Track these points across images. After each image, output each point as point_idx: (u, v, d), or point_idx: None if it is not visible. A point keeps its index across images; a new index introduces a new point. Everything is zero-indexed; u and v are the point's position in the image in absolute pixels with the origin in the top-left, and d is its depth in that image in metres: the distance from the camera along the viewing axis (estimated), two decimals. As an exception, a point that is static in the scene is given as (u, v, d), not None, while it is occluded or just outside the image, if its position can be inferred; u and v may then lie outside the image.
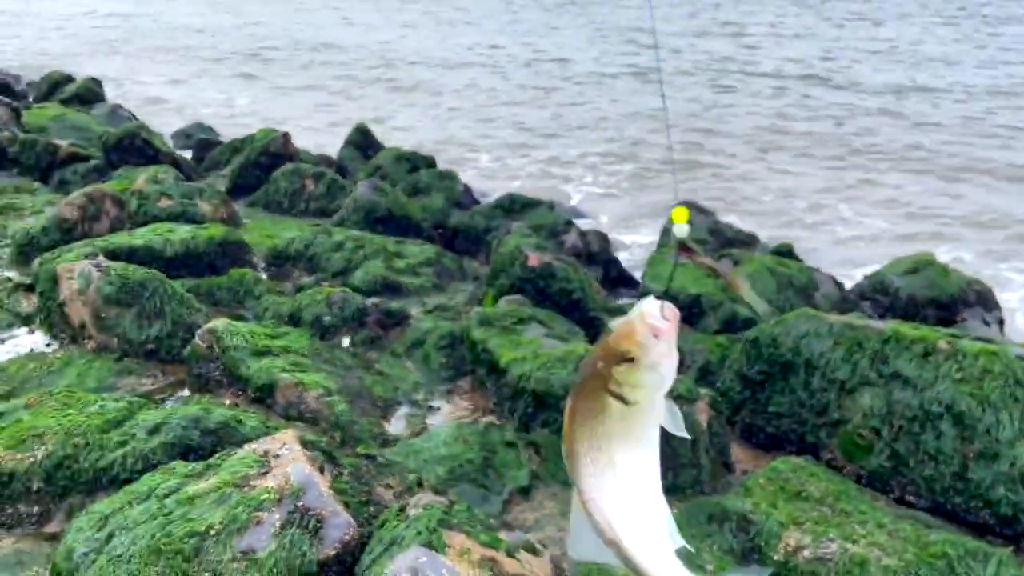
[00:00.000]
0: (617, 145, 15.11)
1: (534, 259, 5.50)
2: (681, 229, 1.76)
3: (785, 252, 7.56)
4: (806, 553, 3.54)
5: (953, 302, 7.22)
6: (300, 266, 7.11)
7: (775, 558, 3.58)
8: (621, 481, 1.63)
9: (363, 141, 11.66)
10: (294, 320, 5.65)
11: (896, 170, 13.53)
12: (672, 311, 1.60)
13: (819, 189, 12.64)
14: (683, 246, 1.74)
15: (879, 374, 4.35)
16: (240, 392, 4.84)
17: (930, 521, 3.92)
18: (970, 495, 3.99)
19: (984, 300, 7.44)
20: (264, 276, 6.86)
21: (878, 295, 7.42)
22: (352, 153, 11.52)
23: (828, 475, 4.12)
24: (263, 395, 4.66)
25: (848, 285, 7.71)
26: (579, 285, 5.44)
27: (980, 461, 3.99)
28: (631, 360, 1.55)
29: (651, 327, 1.56)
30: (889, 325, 4.55)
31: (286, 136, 10.06)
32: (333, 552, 3.19)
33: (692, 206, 9.47)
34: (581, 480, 1.65)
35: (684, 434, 1.67)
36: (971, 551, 3.53)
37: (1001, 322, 7.51)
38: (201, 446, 3.97)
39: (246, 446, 3.78)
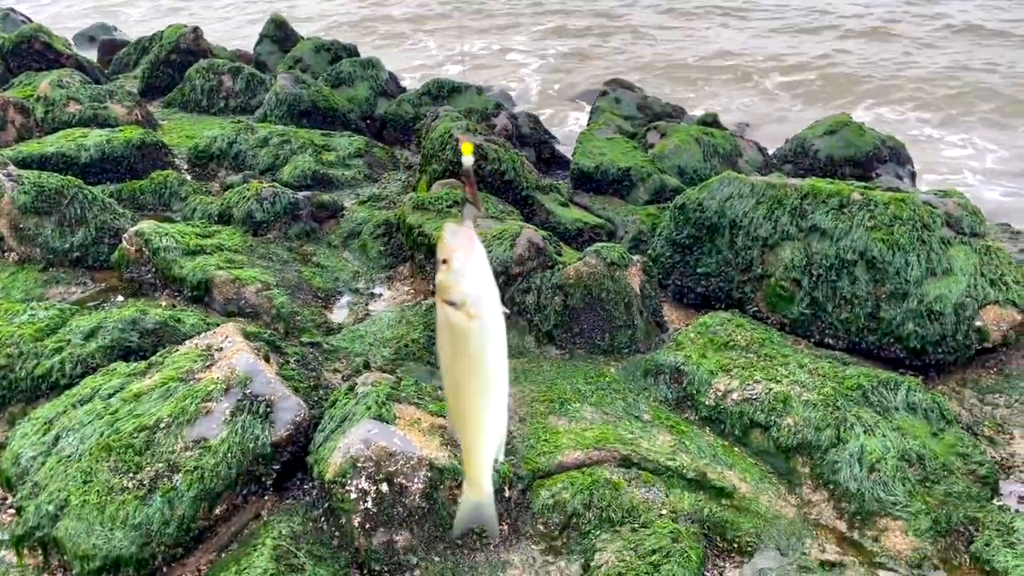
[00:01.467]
0: (542, 29, 14.83)
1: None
2: (467, 160, 2.10)
3: (711, 122, 7.66)
4: (735, 396, 3.79)
5: (868, 159, 7.49)
6: (225, 164, 6.97)
7: (707, 403, 3.82)
8: (462, 393, 1.95)
9: (280, 33, 11.21)
10: (224, 219, 5.59)
11: (814, 35, 13.61)
12: (466, 229, 1.91)
13: (744, 57, 12.69)
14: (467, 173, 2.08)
15: (798, 228, 4.55)
16: (176, 293, 4.83)
17: (847, 359, 4.21)
18: (883, 333, 4.28)
19: (897, 155, 7.72)
20: (188, 177, 6.72)
21: (799, 157, 7.63)
22: (269, 47, 11.10)
23: (753, 326, 4.36)
24: (200, 294, 4.66)
25: (771, 150, 7.90)
26: (511, 165, 5.48)
27: (891, 301, 4.26)
28: (446, 263, 1.88)
29: (454, 235, 1.89)
30: (807, 182, 4.72)
31: (196, 31, 9.63)
32: (286, 433, 3.31)
33: (622, 85, 9.47)
34: (442, 377, 1.99)
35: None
36: (883, 381, 3.82)
37: (913, 175, 7.83)
38: (141, 347, 3.99)
39: (187, 342, 3.82)
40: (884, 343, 4.29)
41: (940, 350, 4.18)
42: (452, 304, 1.89)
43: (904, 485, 3.39)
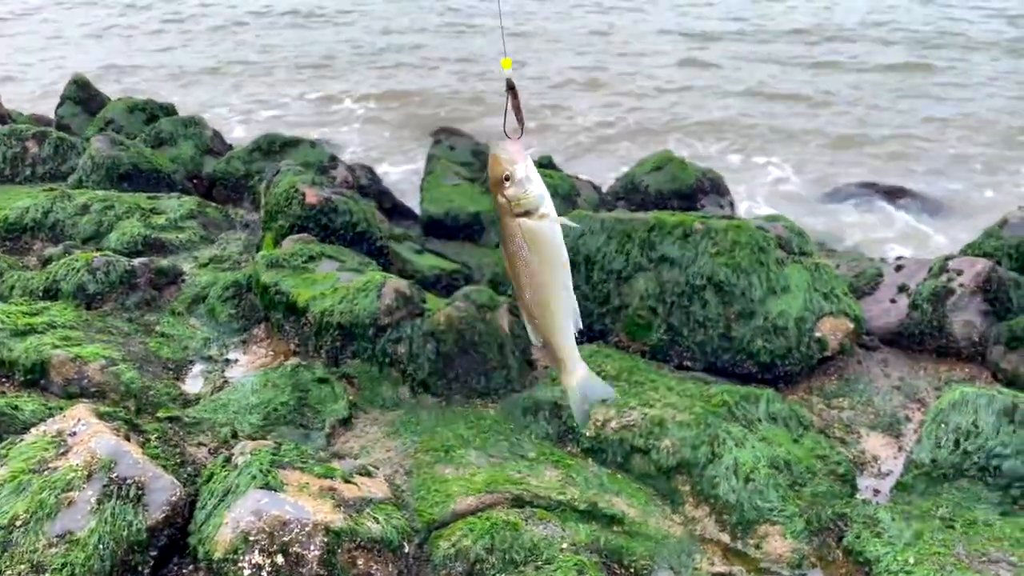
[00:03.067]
0: (369, 82, 14.86)
1: (312, 196, 5.38)
2: (508, 74, 2.21)
3: (546, 164, 7.94)
4: (613, 424, 3.90)
5: (693, 192, 8.02)
6: (41, 236, 6.43)
7: (587, 435, 3.92)
8: (538, 280, 2.19)
9: (83, 94, 10.55)
10: (51, 294, 5.15)
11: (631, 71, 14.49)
12: (513, 143, 2.10)
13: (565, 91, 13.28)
14: (512, 87, 2.21)
15: (649, 259, 4.79)
16: (5, 379, 4.38)
17: (707, 379, 4.46)
18: (736, 351, 4.57)
19: (717, 187, 8.32)
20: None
21: (631, 193, 8.06)
22: (72, 109, 10.42)
23: (619, 355, 4.53)
24: (35, 377, 4.25)
25: (604, 188, 8.29)
26: (363, 216, 5.42)
27: (740, 320, 4.57)
28: (508, 179, 2.07)
29: (506, 151, 2.08)
30: (651, 215, 5.00)
31: (-9, 96, 8.89)
32: (162, 516, 3.07)
33: (453, 132, 9.64)
34: (518, 287, 2.23)
35: (575, 226, 2.27)
36: (744, 396, 4.08)
37: (732, 204, 8.46)
38: (-24, 442, 3.58)
39: (32, 431, 3.47)
40: (738, 360, 4.58)
41: (787, 362, 4.52)
42: (526, 213, 2.09)
43: (777, 491, 3.61)
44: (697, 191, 8.01)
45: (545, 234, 2.13)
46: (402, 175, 10.22)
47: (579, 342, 4.79)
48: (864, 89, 13.34)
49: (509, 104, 2.19)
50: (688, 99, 13.23)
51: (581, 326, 2.29)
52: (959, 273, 4.84)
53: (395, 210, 7.81)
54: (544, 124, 12.30)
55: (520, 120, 2.18)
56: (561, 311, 2.22)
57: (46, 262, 5.82)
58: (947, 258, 5.10)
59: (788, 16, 18.35)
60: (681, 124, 12.17)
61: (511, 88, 2.20)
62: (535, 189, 2.09)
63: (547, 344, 2.30)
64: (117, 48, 17.33)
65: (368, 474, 3.48)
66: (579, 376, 2.34)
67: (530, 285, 2.18)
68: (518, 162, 2.07)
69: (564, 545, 3.25)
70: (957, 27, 16.71)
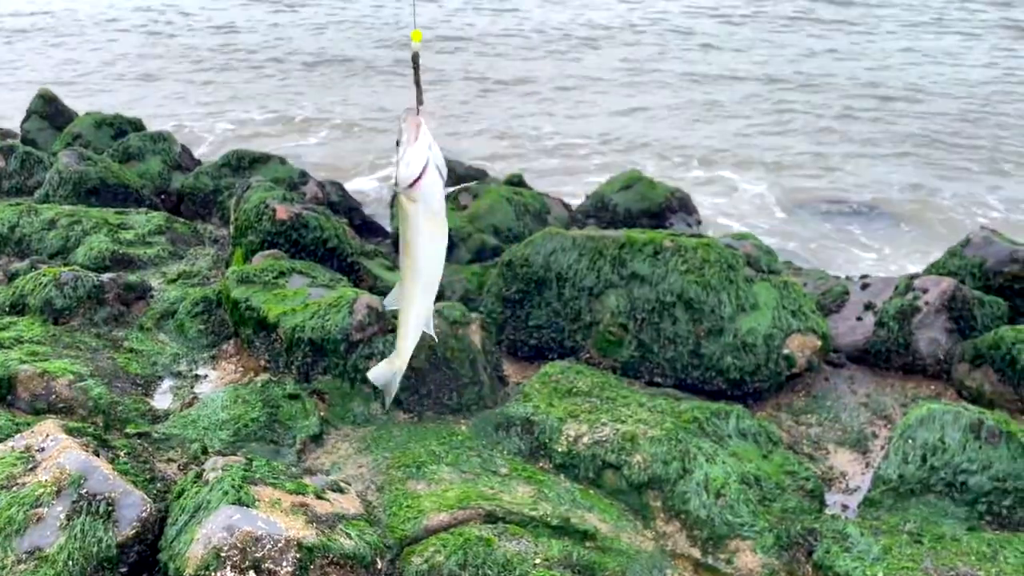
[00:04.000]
0: (333, 98, 14.87)
1: (282, 211, 5.37)
2: (415, 47, 2.34)
3: (516, 182, 7.99)
4: (585, 440, 3.93)
5: (661, 210, 8.11)
6: (7, 251, 6.36)
7: (560, 450, 3.93)
8: (402, 262, 2.35)
9: (49, 109, 10.44)
10: (17, 309, 5.08)
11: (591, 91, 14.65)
12: (412, 117, 2.17)
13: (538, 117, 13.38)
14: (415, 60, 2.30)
15: (620, 276, 4.84)
16: (-31, 395, 4.30)
17: (677, 395, 4.50)
18: (705, 367, 4.63)
19: (685, 205, 8.43)
20: (-36, 267, 6.04)
21: (600, 212, 8.13)
22: (38, 124, 10.30)
23: (590, 371, 4.56)
24: (2, 392, 4.18)
25: (574, 205, 8.36)
26: (333, 232, 5.41)
27: (710, 337, 4.63)
28: (397, 144, 2.17)
29: (403, 119, 2.18)
30: (622, 232, 5.05)
31: (-45, 109, 8.76)
32: (132, 532, 3.03)
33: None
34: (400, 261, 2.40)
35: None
36: (715, 412, 4.12)
37: (699, 223, 8.57)
38: (-60, 458, 3.51)
39: (-1, 446, 3.42)
40: (707, 377, 4.63)
41: (756, 379, 4.58)
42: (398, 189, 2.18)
43: (748, 506, 3.65)
44: (666, 210, 8.10)
45: (408, 214, 2.24)
46: (371, 192, 10.22)
47: (550, 358, 4.83)
48: (827, 107, 13.62)
49: (414, 77, 2.31)
50: (654, 118, 13.40)
51: (432, 332, 2.57)
52: (924, 291, 4.95)
53: (365, 226, 7.80)
54: (515, 142, 12.39)
55: (419, 96, 2.28)
56: (409, 294, 2.39)
57: (12, 277, 5.74)
58: (912, 276, 5.22)
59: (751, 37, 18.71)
60: (648, 142, 12.31)
61: (415, 61, 2.30)
62: (404, 169, 2.18)
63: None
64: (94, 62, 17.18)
65: (340, 490, 3.46)
66: (397, 364, 2.68)
67: (404, 252, 2.33)
68: (403, 134, 2.17)
69: (537, 561, 3.26)
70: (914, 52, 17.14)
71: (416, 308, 2.40)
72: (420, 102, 2.25)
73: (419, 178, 2.21)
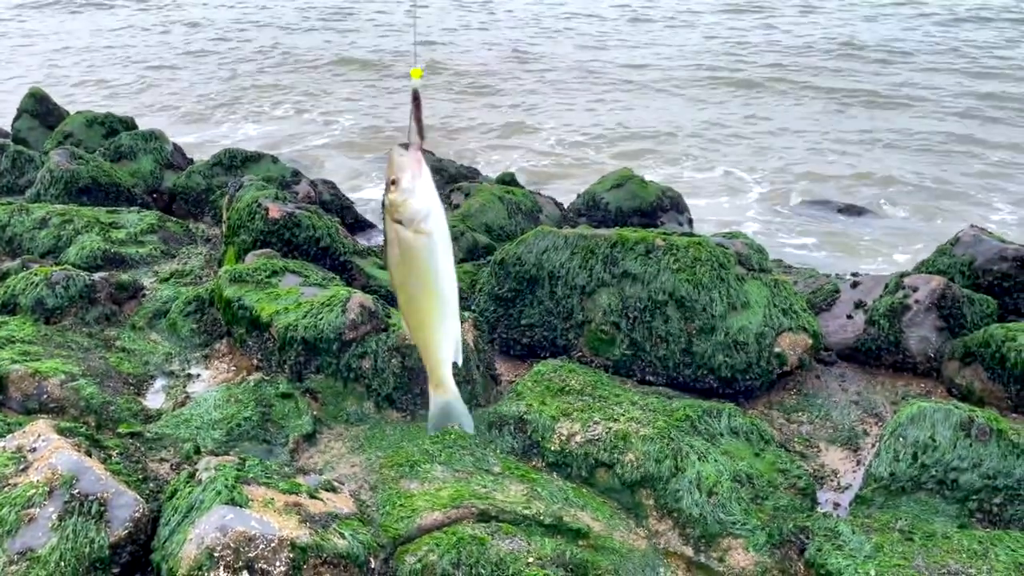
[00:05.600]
0: (328, 98, 14.85)
1: (275, 210, 5.36)
2: (416, 83, 2.28)
3: (508, 180, 8.00)
4: (578, 438, 3.93)
5: (653, 209, 8.14)
6: (-2, 250, 6.33)
7: (552, 448, 3.94)
8: (409, 291, 2.24)
9: (41, 108, 10.40)
10: (8, 308, 5.06)
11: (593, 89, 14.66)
12: (413, 150, 2.12)
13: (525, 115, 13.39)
14: (416, 98, 2.30)
15: (612, 275, 4.85)
16: (-40, 395, 4.28)
17: (669, 393, 4.52)
18: (697, 366, 4.64)
19: (676, 204, 8.45)
20: (-45, 267, 6.01)
21: (591, 211, 8.15)
22: (29, 123, 10.27)
23: (583, 370, 4.57)
24: (-7, 392, 4.17)
25: (565, 204, 8.37)
26: (326, 231, 5.41)
27: (701, 336, 4.64)
28: (395, 183, 2.11)
29: (401, 156, 2.12)
30: (614, 231, 5.06)
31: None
32: (125, 532, 3.03)
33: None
34: (396, 294, 2.29)
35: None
36: (707, 410, 4.14)
37: (691, 221, 8.59)
38: (-69, 458, 3.50)
39: (-9, 447, 3.41)
40: (699, 375, 4.64)
41: (747, 377, 4.59)
42: (401, 223, 2.12)
43: (740, 504, 3.67)
44: (657, 208, 8.12)
45: (417, 248, 2.17)
46: (364, 192, 10.20)
47: (543, 357, 4.84)
48: (818, 108, 13.66)
49: (412, 114, 2.23)
50: (645, 116, 13.42)
51: (459, 360, 2.36)
52: (915, 290, 4.98)
53: (358, 225, 7.80)
54: (508, 143, 12.39)
55: (420, 132, 2.22)
56: (432, 327, 2.29)
57: (3, 276, 5.72)
58: (902, 275, 5.24)
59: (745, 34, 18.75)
60: (639, 141, 12.33)
61: (416, 99, 2.25)
62: (415, 203, 2.13)
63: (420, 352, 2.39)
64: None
65: (333, 489, 3.47)
66: (444, 396, 2.46)
67: (402, 290, 2.26)
68: (406, 170, 2.12)
69: (530, 559, 3.26)
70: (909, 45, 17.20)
71: (450, 335, 2.31)
72: (422, 137, 2.23)
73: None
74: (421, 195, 2.13)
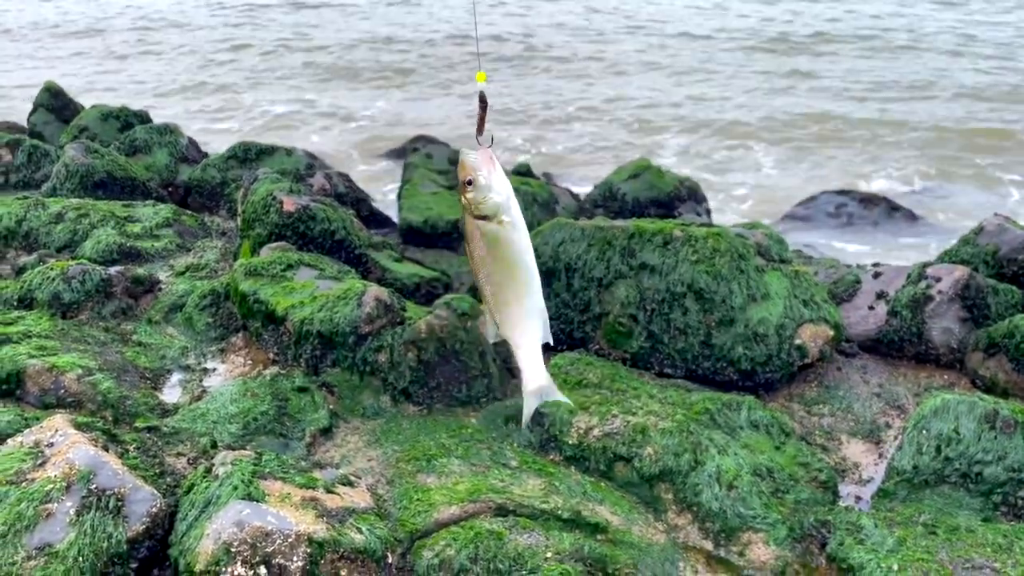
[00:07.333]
0: (333, 87, 14.83)
1: (289, 203, 5.34)
2: (481, 86, 2.39)
3: (524, 171, 7.95)
4: (596, 432, 3.90)
5: (670, 200, 8.07)
6: (15, 245, 6.34)
7: (570, 442, 3.91)
8: (496, 280, 2.36)
9: (56, 102, 10.45)
10: (25, 303, 5.08)
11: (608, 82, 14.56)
12: (484, 150, 2.26)
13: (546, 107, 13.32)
14: (483, 100, 2.44)
15: (629, 267, 4.80)
16: (-21, 389, 4.30)
17: (688, 386, 4.47)
18: (716, 358, 4.59)
19: (694, 194, 8.38)
20: (-28, 262, 6.05)
21: (608, 201, 8.09)
22: (44, 117, 10.31)
23: (600, 363, 4.53)
24: (10, 387, 4.18)
25: (581, 195, 8.32)
26: (341, 224, 5.39)
27: (720, 328, 4.59)
28: (471, 183, 2.24)
29: (472, 157, 2.26)
30: (631, 222, 5.01)
31: (-38, 102, 8.76)
32: (142, 527, 3.02)
33: (430, 140, 9.63)
34: (481, 289, 2.41)
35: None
36: (726, 403, 4.09)
37: (709, 212, 8.52)
38: (-51, 453, 3.51)
39: (9, 441, 3.42)
40: (718, 368, 4.59)
41: (768, 369, 4.54)
42: (484, 218, 2.26)
43: (760, 498, 3.62)
44: (675, 199, 8.05)
45: (503, 238, 2.31)
46: (380, 183, 10.19)
47: (559, 350, 4.81)
48: (835, 98, 13.52)
49: (479, 115, 2.35)
50: (660, 105, 13.32)
51: (550, 340, 2.45)
52: (937, 280, 4.90)
53: (373, 218, 7.77)
54: (525, 133, 12.34)
55: (480, 131, 2.34)
56: (521, 314, 2.42)
57: (20, 271, 5.74)
58: (925, 265, 5.16)
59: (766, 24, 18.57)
60: (655, 131, 12.25)
61: (483, 101, 2.36)
62: (496, 197, 2.27)
63: (509, 344, 2.50)
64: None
65: (350, 484, 3.45)
66: (537, 384, 2.57)
67: (488, 283, 2.37)
68: (481, 169, 2.25)
69: (548, 554, 3.23)
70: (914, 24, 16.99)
71: (539, 318, 2.45)
72: (480, 133, 2.35)
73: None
74: (499, 188, 2.26)
